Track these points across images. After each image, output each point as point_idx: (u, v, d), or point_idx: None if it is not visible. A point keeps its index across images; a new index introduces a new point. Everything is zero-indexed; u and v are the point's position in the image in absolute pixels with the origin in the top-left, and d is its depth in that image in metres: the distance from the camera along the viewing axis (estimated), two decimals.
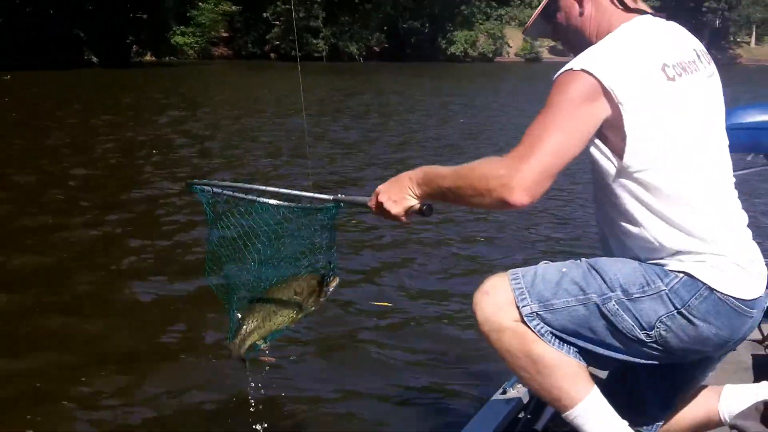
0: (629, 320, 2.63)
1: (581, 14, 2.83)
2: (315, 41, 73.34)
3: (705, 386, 3.11)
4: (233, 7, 69.96)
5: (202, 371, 5.64)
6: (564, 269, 2.75)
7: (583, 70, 2.54)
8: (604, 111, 2.55)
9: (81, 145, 16.69)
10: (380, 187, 2.84)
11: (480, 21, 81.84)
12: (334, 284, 3.26)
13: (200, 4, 65.95)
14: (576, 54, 2.71)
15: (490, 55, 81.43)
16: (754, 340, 4.31)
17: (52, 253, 8.56)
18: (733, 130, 2.88)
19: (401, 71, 54.38)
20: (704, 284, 2.61)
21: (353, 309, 6.97)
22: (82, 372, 5.67)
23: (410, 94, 34.57)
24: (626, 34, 2.70)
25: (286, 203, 3.17)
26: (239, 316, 3.25)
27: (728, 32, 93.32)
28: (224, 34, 73.22)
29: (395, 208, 2.79)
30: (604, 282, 2.66)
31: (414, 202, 2.78)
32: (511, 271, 2.78)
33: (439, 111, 26.49)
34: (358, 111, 26.14)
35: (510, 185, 2.46)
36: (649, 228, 2.65)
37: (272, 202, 3.15)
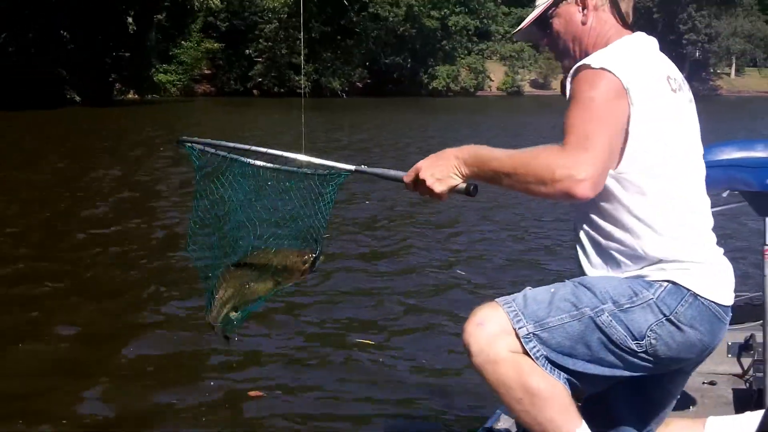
0: (622, 331, 2.67)
1: (583, 23, 2.93)
2: (297, 78, 73.47)
3: (689, 420, 3.12)
4: (216, 44, 70.19)
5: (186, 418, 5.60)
6: (552, 289, 2.77)
7: (603, 69, 2.64)
8: (626, 108, 2.64)
9: (57, 184, 16.63)
10: (421, 163, 2.77)
11: (461, 56, 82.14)
12: (318, 262, 3.15)
13: (182, 42, 66.11)
14: (567, 63, 2.92)
15: (472, 90, 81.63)
16: (734, 375, 4.33)
17: (33, 285, 8.55)
18: (710, 168, 2.92)
19: (383, 106, 54.55)
20: (689, 290, 2.70)
21: (333, 345, 6.91)
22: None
23: (393, 128, 34.63)
24: (631, 44, 2.84)
25: (287, 168, 3.09)
26: (216, 285, 3.14)
27: (708, 64, 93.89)
28: (207, 72, 73.36)
29: (439, 187, 2.73)
30: (595, 296, 2.70)
31: (458, 181, 2.74)
32: (499, 299, 2.76)
33: (423, 144, 26.49)
34: (342, 145, 26.15)
35: (577, 177, 2.49)
36: (636, 234, 2.73)
37: (268, 165, 3.09)
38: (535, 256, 10.25)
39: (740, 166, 3.56)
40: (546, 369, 2.67)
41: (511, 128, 34.32)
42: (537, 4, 3.01)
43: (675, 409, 3.11)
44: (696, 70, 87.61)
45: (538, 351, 2.67)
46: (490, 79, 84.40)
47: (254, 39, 73.08)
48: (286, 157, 3.07)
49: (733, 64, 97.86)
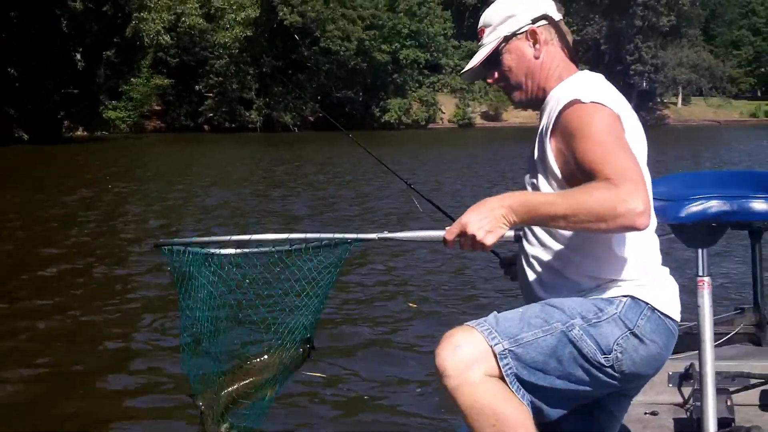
0: (592, 344, 2.74)
1: (536, 57, 3.01)
2: (248, 113, 73.59)
3: None
4: (166, 80, 70.10)
5: None
6: (521, 310, 2.82)
7: (593, 102, 2.75)
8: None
9: None
10: (466, 218, 2.66)
11: (413, 89, 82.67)
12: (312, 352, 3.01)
13: (132, 78, 65.98)
14: (519, 96, 3.07)
15: (424, 122, 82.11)
16: (675, 404, 4.38)
17: None
18: None
19: (335, 140, 54.61)
20: (647, 304, 2.82)
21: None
22: None
23: (346, 162, 34.64)
24: (593, 78, 2.97)
25: (286, 248, 2.85)
26: (212, 395, 2.91)
27: (655, 94, 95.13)
28: (157, 108, 73.25)
29: (490, 239, 2.65)
30: (564, 312, 2.77)
31: (506, 230, 2.67)
32: (469, 322, 2.77)
33: (378, 178, 26.51)
34: (298, 182, 26.07)
35: (638, 210, 2.52)
36: (595, 255, 2.85)
37: (261, 249, 2.86)
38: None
39: (658, 199, 3.62)
40: (514, 388, 2.69)
41: (464, 159, 34.46)
42: (485, 42, 3.06)
43: None
44: (643, 100, 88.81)
45: (510, 368, 2.69)
46: (442, 112, 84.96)
47: (205, 74, 73.19)
48: (289, 240, 2.88)
49: (680, 94, 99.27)
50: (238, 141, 54.64)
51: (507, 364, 2.68)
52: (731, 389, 3.89)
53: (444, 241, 2.73)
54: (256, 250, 2.90)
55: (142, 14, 59.91)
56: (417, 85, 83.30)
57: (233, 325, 3.00)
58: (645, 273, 2.87)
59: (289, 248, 2.86)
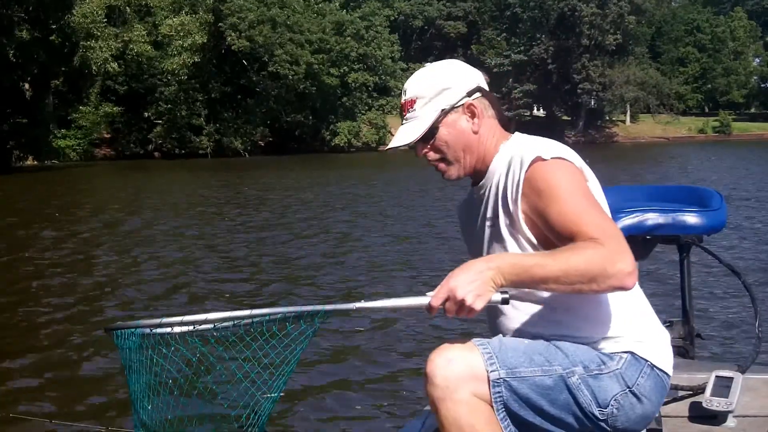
0: (588, 395, 2.71)
1: (475, 132, 2.93)
2: (198, 138, 73.09)
3: None
4: (114, 108, 69.47)
5: None
6: (526, 341, 2.78)
7: (554, 158, 2.72)
8: None
9: None
10: (452, 283, 2.55)
11: (362, 111, 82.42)
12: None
13: (81, 107, 65.40)
14: (455, 171, 2.98)
15: (374, 145, 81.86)
16: None
17: None
18: None
19: (286, 165, 54.34)
20: (647, 361, 2.79)
21: None
22: None
23: (298, 187, 34.60)
24: (534, 137, 2.91)
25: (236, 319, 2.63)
26: None
27: (604, 112, 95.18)
28: (106, 135, 72.54)
29: (480, 303, 2.55)
30: (567, 357, 2.73)
31: (493, 293, 2.57)
32: (475, 339, 2.72)
33: (324, 204, 26.48)
34: (245, 210, 26.01)
35: (626, 270, 2.52)
36: (583, 314, 2.80)
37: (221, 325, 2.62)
38: None
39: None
40: (500, 416, 2.66)
41: (417, 179, 34.46)
42: (418, 114, 2.97)
43: None
44: (592, 119, 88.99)
45: (501, 397, 2.65)
46: (391, 134, 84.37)
47: (153, 101, 72.52)
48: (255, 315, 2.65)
49: (628, 112, 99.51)
50: (188, 167, 54.19)
51: (498, 392, 2.64)
52: None
53: (429, 307, 2.60)
54: (211, 324, 2.67)
55: (89, 43, 59.46)
56: (366, 107, 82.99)
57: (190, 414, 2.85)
58: (641, 327, 2.83)
59: (250, 321, 2.66)
